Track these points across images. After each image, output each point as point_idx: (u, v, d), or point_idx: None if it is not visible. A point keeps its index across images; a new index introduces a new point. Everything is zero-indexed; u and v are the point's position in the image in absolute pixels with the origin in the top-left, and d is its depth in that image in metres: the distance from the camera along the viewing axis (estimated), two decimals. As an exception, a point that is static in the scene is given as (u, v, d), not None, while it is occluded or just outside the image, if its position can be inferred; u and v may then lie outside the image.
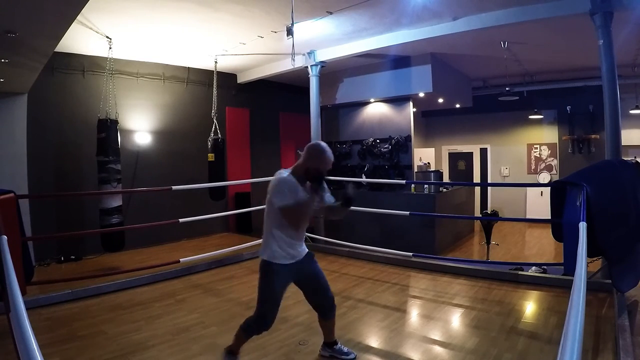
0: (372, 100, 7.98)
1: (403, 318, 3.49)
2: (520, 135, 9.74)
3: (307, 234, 6.05)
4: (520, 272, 4.32)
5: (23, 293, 1.94)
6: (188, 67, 7.26)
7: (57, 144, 5.80)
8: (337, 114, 8.78)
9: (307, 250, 2.45)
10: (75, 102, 5.94)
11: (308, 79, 6.72)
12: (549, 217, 3.97)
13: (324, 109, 8.35)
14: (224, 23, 5.00)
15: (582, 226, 2.32)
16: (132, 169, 6.45)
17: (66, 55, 5.74)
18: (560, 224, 3.69)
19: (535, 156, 9.62)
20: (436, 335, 3.08)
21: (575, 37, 5.55)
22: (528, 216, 9.25)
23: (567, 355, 1.03)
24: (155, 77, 6.86)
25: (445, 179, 9.97)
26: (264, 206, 2.37)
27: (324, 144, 2.34)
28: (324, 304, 2.49)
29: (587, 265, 2.75)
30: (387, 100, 7.91)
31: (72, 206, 5.93)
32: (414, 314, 3.65)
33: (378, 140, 8.02)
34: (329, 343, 2.64)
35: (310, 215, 2.39)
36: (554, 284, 3.98)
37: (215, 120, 6.58)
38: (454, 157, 10.82)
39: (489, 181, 10.18)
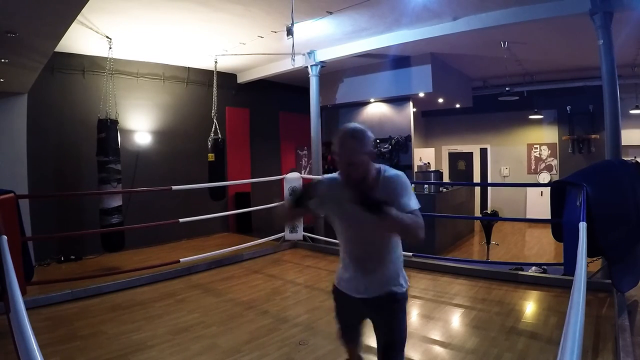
0: (372, 100, 7.99)
1: (403, 318, 3.49)
2: (520, 135, 9.74)
3: (306, 233, 6.08)
4: (520, 272, 4.32)
5: (23, 293, 1.94)
6: (188, 67, 7.26)
7: (57, 144, 5.80)
8: (337, 114, 8.78)
9: (385, 290, 1.61)
10: (75, 102, 5.94)
11: (308, 79, 6.72)
12: (549, 217, 3.97)
13: (324, 109, 8.34)
14: (224, 23, 5.00)
15: (582, 226, 2.33)
16: (132, 169, 6.45)
17: (66, 55, 5.74)
18: (560, 224, 3.69)
19: (535, 156, 9.61)
20: (436, 335, 3.07)
21: (575, 37, 5.56)
22: (528, 216, 9.25)
23: (567, 355, 1.03)
24: (155, 77, 6.86)
25: (445, 179, 9.97)
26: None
27: (347, 125, 1.55)
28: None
29: (587, 265, 2.75)
30: (387, 100, 7.92)
31: (72, 206, 5.93)
32: (414, 314, 3.65)
33: (378, 140, 8.01)
34: None
35: (359, 226, 1.56)
36: (554, 284, 3.97)
37: (215, 120, 6.58)
38: (454, 157, 10.81)
39: (489, 181, 10.18)
